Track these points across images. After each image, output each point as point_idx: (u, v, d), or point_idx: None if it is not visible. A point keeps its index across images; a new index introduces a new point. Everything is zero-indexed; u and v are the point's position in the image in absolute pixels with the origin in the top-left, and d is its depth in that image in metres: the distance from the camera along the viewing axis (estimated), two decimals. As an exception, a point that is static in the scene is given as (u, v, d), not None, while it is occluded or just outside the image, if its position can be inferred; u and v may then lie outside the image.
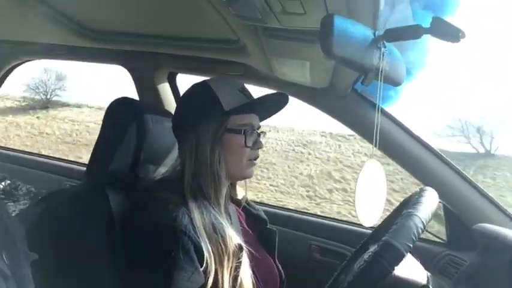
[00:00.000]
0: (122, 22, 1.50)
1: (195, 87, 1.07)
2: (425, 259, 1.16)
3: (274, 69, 1.45)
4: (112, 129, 1.13)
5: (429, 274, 0.98)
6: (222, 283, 0.88)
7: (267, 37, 1.16)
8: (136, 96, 1.91)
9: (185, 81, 1.84)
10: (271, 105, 1.11)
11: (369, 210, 0.91)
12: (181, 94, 1.47)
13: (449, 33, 0.75)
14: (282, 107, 1.13)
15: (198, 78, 1.13)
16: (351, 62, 0.79)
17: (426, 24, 0.78)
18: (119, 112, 1.15)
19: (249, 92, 1.06)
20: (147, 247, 0.88)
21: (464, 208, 1.52)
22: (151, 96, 1.89)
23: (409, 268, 0.93)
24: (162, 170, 1.21)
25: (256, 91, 1.19)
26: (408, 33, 0.79)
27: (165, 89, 1.92)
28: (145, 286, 0.86)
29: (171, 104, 1.92)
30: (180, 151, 1.05)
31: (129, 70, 1.91)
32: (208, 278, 0.86)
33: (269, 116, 1.15)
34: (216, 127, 0.99)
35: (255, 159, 1.06)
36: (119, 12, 1.40)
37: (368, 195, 0.94)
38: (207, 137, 0.98)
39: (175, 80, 1.96)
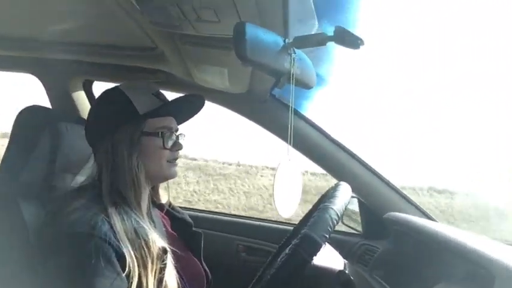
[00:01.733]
0: (32, 28, 1.42)
1: (106, 93, 1.05)
2: (344, 250, 1.26)
3: (194, 76, 1.46)
4: (23, 138, 1.08)
5: (346, 261, 1.05)
6: (147, 287, 0.87)
7: (184, 44, 1.17)
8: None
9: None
10: (187, 108, 1.12)
11: (285, 203, 0.97)
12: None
13: (350, 40, 0.83)
14: (199, 110, 1.15)
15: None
16: (264, 67, 0.84)
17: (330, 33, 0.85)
18: (30, 119, 1.09)
19: (163, 95, 1.07)
20: (66, 257, 0.84)
21: (376, 200, 1.66)
22: (65, 105, 1.80)
23: (328, 257, 0.99)
24: (80, 179, 1.17)
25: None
26: (314, 40, 0.86)
27: (80, 97, 1.84)
28: None
29: (87, 113, 1.84)
30: (96, 158, 1.02)
31: (40, 78, 1.80)
32: (132, 282, 0.85)
33: (187, 119, 1.16)
34: (132, 131, 0.98)
35: (175, 160, 1.06)
36: (29, 18, 1.32)
37: (284, 190, 0.99)
38: (124, 142, 0.97)
39: (91, 87, 1.89)
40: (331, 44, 0.86)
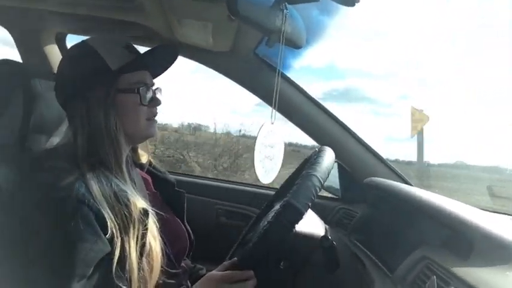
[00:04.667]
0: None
1: (74, 49, 0.99)
2: (323, 214, 1.27)
3: (176, 31, 1.39)
4: None
5: (327, 226, 1.06)
6: (129, 252, 0.84)
7: (166, -6, 1.10)
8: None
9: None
10: (161, 60, 1.07)
11: (266, 168, 0.95)
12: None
13: (345, -3, 0.79)
14: (173, 61, 1.09)
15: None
16: (255, 23, 0.80)
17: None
18: (1, 76, 1.01)
19: (134, 48, 1.00)
20: (44, 221, 0.81)
21: (356, 165, 1.67)
22: (37, 59, 1.70)
23: (309, 223, 0.99)
24: (56, 140, 1.11)
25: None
26: (308, -5, 0.81)
27: (53, 51, 1.74)
28: (45, 262, 0.80)
29: (60, 69, 1.74)
30: (70, 119, 0.96)
31: (9, 30, 1.68)
32: (115, 247, 0.83)
33: (161, 72, 1.10)
34: (106, 89, 0.92)
35: (154, 116, 1.01)
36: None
37: (264, 156, 0.97)
38: (98, 100, 0.91)
39: (64, 41, 1.78)
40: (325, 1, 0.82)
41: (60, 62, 1.00)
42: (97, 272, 0.81)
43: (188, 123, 9.37)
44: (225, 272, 0.93)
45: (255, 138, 0.97)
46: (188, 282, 1.10)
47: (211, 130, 7.93)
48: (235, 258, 1.00)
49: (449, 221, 1.00)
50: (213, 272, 0.97)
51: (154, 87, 1.02)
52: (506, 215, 1.49)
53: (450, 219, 1.00)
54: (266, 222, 0.88)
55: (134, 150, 1.10)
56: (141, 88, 0.95)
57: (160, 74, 1.10)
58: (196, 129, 9.29)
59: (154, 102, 1.00)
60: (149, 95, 0.98)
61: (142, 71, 0.99)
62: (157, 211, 0.94)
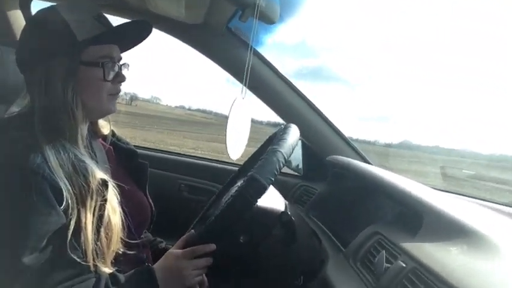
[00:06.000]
0: None
1: (40, 13, 0.93)
2: (284, 190, 1.30)
3: (147, 1, 1.34)
4: None
5: (287, 202, 1.09)
6: (85, 223, 0.83)
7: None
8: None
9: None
10: (133, 35, 1.02)
11: (235, 144, 0.96)
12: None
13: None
14: (145, 37, 1.04)
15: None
16: (229, -5, 0.78)
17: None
18: None
19: (106, 19, 0.95)
20: None
21: (319, 143, 1.71)
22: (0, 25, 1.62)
23: (270, 198, 1.01)
24: (15, 109, 1.06)
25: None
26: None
27: (16, 16, 1.66)
28: None
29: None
30: (28, 87, 0.92)
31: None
32: (71, 219, 0.81)
33: (131, 47, 1.06)
34: (69, 60, 0.87)
35: (117, 93, 0.98)
36: None
37: (235, 131, 0.98)
38: (59, 71, 0.87)
39: (29, 7, 1.71)
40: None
41: (25, 25, 0.95)
42: (51, 244, 0.79)
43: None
44: (186, 249, 0.93)
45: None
46: (148, 255, 1.10)
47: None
48: (192, 231, 1.01)
49: (402, 198, 1.05)
50: (173, 249, 0.97)
51: (121, 63, 0.98)
52: (457, 195, 1.58)
53: (402, 196, 1.05)
54: (229, 196, 0.89)
55: (93, 123, 1.07)
56: (106, 63, 0.91)
57: (129, 49, 1.05)
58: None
59: (119, 78, 0.96)
60: (114, 70, 0.94)
61: (110, 44, 0.94)
62: (119, 183, 0.93)
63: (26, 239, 0.76)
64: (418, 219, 0.93)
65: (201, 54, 1.61)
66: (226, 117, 0.96)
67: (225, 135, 0.93)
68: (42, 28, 0.91)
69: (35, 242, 0.77)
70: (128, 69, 0.99)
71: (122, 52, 1.00)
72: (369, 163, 1.68)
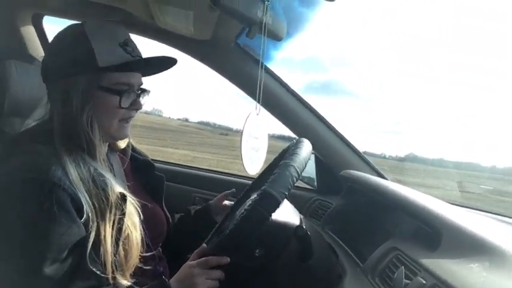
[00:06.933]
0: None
1: (68, 30, 0.94)
2: (299, 204, 1.29)
3: (156, 18, 1.36)
4: None
5: (302, 216, 1.08)
6: (105, 236, 0.84)
7: (148, -21, 1.08)
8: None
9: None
10: (156, 67, 1.02)
11: (252, 159, 0.96)
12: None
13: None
14: (169, 68, 1.04)
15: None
16: (237, 13, 0.80)
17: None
18: None
19: (133, 45, 0.95)
20: (18, 204, 0.79)
21: (332, 157, 1.70)
22: (13, 41, 1.65)
23: (285, 212, 1.00)
24: (30, 123, 1.08)
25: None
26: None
27: (29, 32, 1.69)
28: (19, 246, 0.79)
29: (37, 51, 1.70)
30: (49, 99, 0.94)
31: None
32: (91, 232, 0.82)
33: (153, 74, 1.05)
34: (88, 84, 0.88)
35: (130, 118, 0.97)
36: None
37: (250, 146, 0.98)
38: (77, 93, 0.88)
39: (41, 22, 1.73)
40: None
41: (53, 38, 0.96)
42: (71, 255, 0.80)
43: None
44: (201, 259, 0.93)
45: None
46: (165, 267, 1.10)
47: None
48: (204, 245, 1.00)
49: (420, 214, 1.03)
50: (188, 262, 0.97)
51: (140, 88, 0.98)
52: (475, 210, 1.54)
53: (420, 211, 1.03)
54: (243, 210, 0.89)
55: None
56: (123, 91, 0.92)
57: (151, 75, 1.05)
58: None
59: (135, 106, 0.97)
60: (131, 98, 0.95)
61: (131, 72, 0.94)
62: (137, 198, 0.94)
63: (47, 250, 0.77)
64: (437, 235, 0.91)
65: (210, 69, 1.62)
66: (241, 133, 0.96)
67: (240, 150, 0.93)
68: (67, 45, 0.92)
69: (56, 253, 0.78)
70: (148, 96, 0.99)
71: (144, 76, 1.00)
72: (383, 177, 1.66)
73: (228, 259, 0.91)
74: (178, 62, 1.00)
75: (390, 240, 1.05)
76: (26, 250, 0.79)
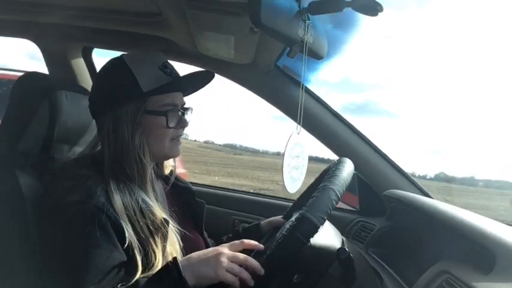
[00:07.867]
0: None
1: (111, 64, 1.00)
2: (341, 226, 1.26)
3: (198, 45, 1.41)
4: (21, 106, 1.04)
5: (344, 239, 1.05)
6: (156, 258, 0.87)
7: (191, 9, 1.12)
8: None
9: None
10: (195, 83, 1.07)
11: (292, 179, 0.96)
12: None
13: (368, 6, 0.80)
14: (208, 83, 1.10)
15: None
16: (277, 33, 0.81)
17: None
18: (29, 88, 1.05)
19: (171, 67, 1.00)
20: (62, 226, 0.83)
21: (375, 177, 1.66)
22: (64, 72, 1.75)
23: (327, 235, 0.98)
24: (78, 150, 1.15)
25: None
26: (331, 5, 0.83)
27: (79, 64, 1.79)
28: (61, 268, 0.82)
29: (86, 81, 1.79)
30: (99, 132, 0.99)
31: (37, 44, 1.73)
32: (131, 257, 0.85)
33: (194, 91, 1.11)
34: (135, 109, 0.93)
35: (179, 137, 1.02)
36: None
37: (292, 166, 0.98)
38: (126, 119, 0.92)
39: (90, 55, 1.83)
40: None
41: (97, 73, 1.03)
42: (109, 279, 0.82)
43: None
44: (235, 241, 0.91)
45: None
46: None
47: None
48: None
49: (471, 235, 0.98)
50: None
51: (184, 107, 1.02)
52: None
53: (472, 232, 0.98)
54: (281, 235, 0.88)
55: (159, 164, 1.12)
56: (169, 111, 0.96)
57: (192, 93, 1.11)
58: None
59: (181, 124, 1.01)
60: (177, 117, 0.99)
61: (174, 92, 0.99)
62: (179, 228, 0.96)
63: (86, 272, 0.79)
64: (491, 257, 0.86)
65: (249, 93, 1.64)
66: (282, 154, 0.96)
67: (282, 170, 0.93)
68: (111, 77, 0.98)
69: (94, 276, 0.80)
70: (191, 113, 1.04)
71: (185, 96, 1.05)
72: (429, 197, 1.60)
73: (263, 246, 0.91)
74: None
75: (439, 262, 1.00)
76: (66, 270, 0.81)
